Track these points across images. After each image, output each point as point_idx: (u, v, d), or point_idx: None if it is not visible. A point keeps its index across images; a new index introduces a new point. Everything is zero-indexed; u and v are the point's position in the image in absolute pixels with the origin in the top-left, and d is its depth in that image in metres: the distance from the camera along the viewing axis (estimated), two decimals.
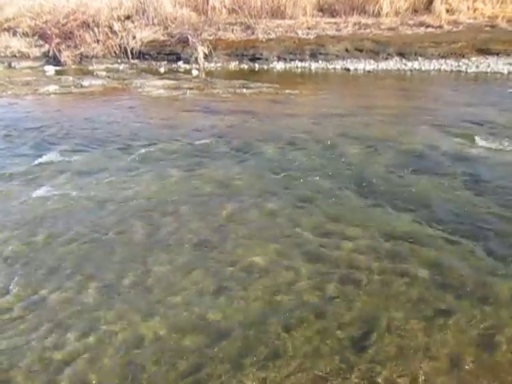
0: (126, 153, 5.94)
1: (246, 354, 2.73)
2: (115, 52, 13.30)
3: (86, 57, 13.43)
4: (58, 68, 13.09)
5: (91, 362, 2.70)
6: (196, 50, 12.40)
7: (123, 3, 14.23)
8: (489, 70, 10.44)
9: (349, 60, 11.51)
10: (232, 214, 4.32)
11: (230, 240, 3.88)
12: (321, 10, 13.87)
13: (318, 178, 4.98)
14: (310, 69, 11.50)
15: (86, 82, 10.99)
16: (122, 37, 13.25)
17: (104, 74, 12.17)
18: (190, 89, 9.96)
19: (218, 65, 12.35)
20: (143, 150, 5.98)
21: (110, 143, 6.35)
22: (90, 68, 13.09)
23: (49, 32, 13.63)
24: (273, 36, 12.60)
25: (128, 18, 13.94)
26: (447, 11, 12.89)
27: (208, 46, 12.45)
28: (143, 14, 13.80)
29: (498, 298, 3.12)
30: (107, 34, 13.39)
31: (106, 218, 4.28)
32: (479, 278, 3.32)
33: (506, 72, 10.24)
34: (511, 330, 2.83)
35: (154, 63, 13.04)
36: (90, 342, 2.84)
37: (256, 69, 11.82)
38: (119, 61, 13.33)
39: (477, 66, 10.61)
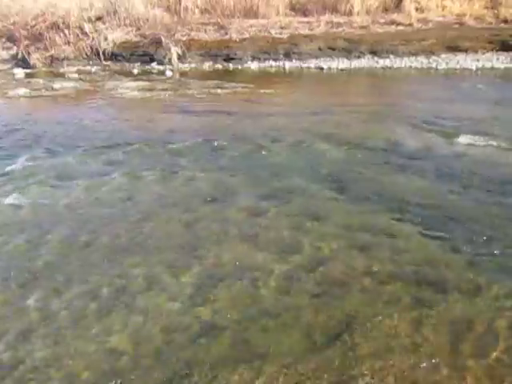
0: (99, 156, 5.85)
1: (225, 357, 2.73)
2: (87, 54, 13.09)
3: (57, 59, 13.17)
4: (27, 71, 12.79)
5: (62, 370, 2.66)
6: (169, 50, 12.31)
7: (93, 4, 13.99)
8: (458, 66, 10.69)
9: (322, 59, 11.62)
10: (209, 213, 4.31)
11: (206, 241, 3.87)
12: (293, 9, 13.95)
13: (293, 177, 5.02)
14: (284, 68, 11.56)
15: (57, 85, 10.78)
16: (93, 38, 13.05)
17: (76, 76, 11.97)
18: (165, 90, 9.88)
19: (192, 65, 12.29)
20: (117, 153, 5.90)
21: (82, 147, 6.24)
22: (61, 70, 12.85)
23: (17, 34, 13.31)
24: (246, 36, 12.61)
25: (99, 18, 13.72)
26: (417, 9, 13.14)
27: (181, 47, 12.37)
28: (114, 15, 13.62)
29: (474, 288, 3.20)
30: (78, 35, 13.17)
31: (79, 224, 4.22)
32: (454, 270, 3.40)
33: (474, 68, 10.51)
34: (487, 320, 2.92)
35: (127, 64, 12.88)
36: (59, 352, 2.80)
37: (230, 69, 11.81)
38: (91, 62, 13.12)
39: (446, 63, 10.86)
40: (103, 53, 12.95)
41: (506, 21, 12.48)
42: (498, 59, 10.71)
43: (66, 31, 13.21)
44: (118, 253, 3.76)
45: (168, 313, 3.08)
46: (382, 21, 12.83)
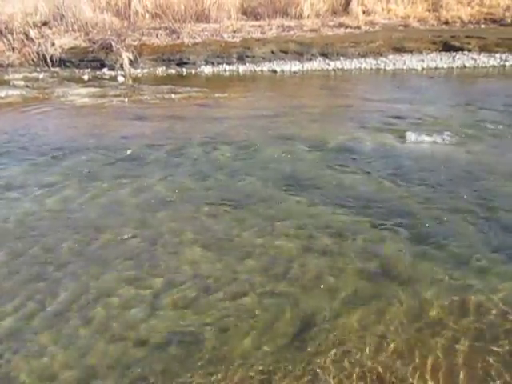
0: (48, 166, 5.66)
1: (187, 360, 2.72)
2: (33, 60, 12.60)
3: (1, 66, 12.60)
4: None
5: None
6: (120, 56, 12.06)
7: (39, 9, 13.52)
8: (405, 67, 11.10)
9: (275, 62, 11.74)
10: (163, 220, 4.27)
11: (161, 247, 3.83)
12: (245, 13, 14.04)
13: (249, 179, 5.05)
14: (237, 72, 11.60)
15: (1, 93, 10.32)
16: (39, 44, 12.58)
17: (22, 83, 11.49)
18: (117, 96, 9.68)
19: (145, 70, 12.10)
20: (67, 162, 5.74)
21: (30, 157, 6.02)
22: (6, 78, 12.29)
23: None
24: (199, 40, 12.56)
25: (45, 24, 13.27)
26: (364, 12, 13.56)
27: (133, 52, 12.15)
28: (61, 20, 13.20)
29: (426, 280, 3.34)
30: (23, 41, 12.66)
31: (26, 237, 4.07)
32: (409, 262, 3.53)
33: (419, 68, 10.96)
34: (438, 310, 3.05)
35: (76, 71, 12.50)
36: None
37: (184, 73, 11.72)
38: (38, 69, 12.64)
39: (394, 64, 11.25)
40: (51, 59, 12.51)
41: (447, 23, 13.11)
42: (441, 59, 11.21)
43: (10, 37, 12.68)
44: (70, 264, 3.66)
45: (122, 323, 3.03)
46: (332, 24, 13.15)
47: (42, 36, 12.76)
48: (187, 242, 3.92)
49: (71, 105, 9.23)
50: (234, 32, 12.88)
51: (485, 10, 13.40)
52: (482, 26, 12.89)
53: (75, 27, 13.09)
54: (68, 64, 12.61)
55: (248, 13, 14.02)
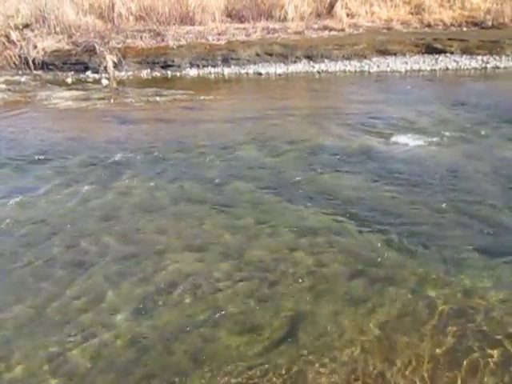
0: (30, 171, 5.58)
1: (172, 364, 2.70)
2: (15, 63, 12.41)
3: None
4: None
5: None
6: (104, 58, 11.95)
7: (20, 11, 13.34)
8: (388, 69, 11.22)
9: (260, 64, 11.76)
10: (149, 223, 4.24)
11: (148, 252, 3.80)
12: (229, 15, 14.03)
13: (234, 181, 5.05)
14: (223, 74, 11.59)
15: None
16: (21, 47, 12.41)
17: (4, 86, 11.30)
18: (101, 99, 9.59)
19: (129, 73, 12.01)
20: (51, 167, 5.66)
21: (12, 161, 5.92)
22: None
23: None
24: (183, 42, 12.52)
25: (27, 26, 13.09)
26: (348, 15, 13.66)
27: (117, 54, 12.05)
28: (44, 23, 13.04)
29: (414, 279, 3.37)
30: (4, 43, 12.47)
31: (9, 242, 4.00)
32: (392, 262, 3.56)
33: (403, 70, 11.08)
34: (423, 308, 3.08)
35: (59, 74, 12.35)
36: None
37: (169, 76, 11.67)
38: (20, 72, 12.45)
39: (378, 66, 11.35)
40: (33, 62, 12.34)
41: (429, 25, 13.28)
42: (424, 62, 11.35)
43: None
44: (58, 269, 3.60)
45: (111, 327, 2.99)
46: (316, 26, 13.22)
47: (23, 39, 12.58)
48: (170, 243, 3.89)
49: (54, 108, 9.11)
50: (219, 34, 12.86)
51: (466, 13, 13.62)
52: (464, 28, 13.10)
53: (58, 30, 12.94)
54: (51, 67, 12.45)
55: (232, 15, 14.02)
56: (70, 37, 12.77)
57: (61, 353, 2.80)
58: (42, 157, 6.02)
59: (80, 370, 2.70)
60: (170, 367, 2.68)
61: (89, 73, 12.19)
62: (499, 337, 2.81)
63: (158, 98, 9.41)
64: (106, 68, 11.97)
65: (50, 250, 3.88)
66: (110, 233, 4.11)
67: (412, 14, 13.84)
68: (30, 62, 12.33)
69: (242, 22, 13.59)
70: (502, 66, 10.92)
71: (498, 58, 11.19)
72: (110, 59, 11.92)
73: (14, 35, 12.53)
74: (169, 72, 11.86)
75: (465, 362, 2.66)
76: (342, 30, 12.99)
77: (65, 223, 4.31)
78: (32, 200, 4.78)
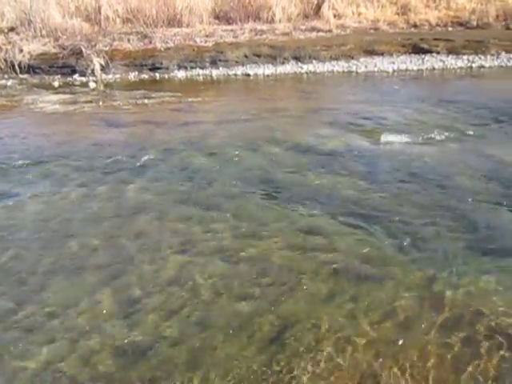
0: (17, 175, 5.52)
1: (166, 368, 2.68)
2: (0, 67, 12.28)
3: None
4: None
5: None
6: (91, 61, 11.87)
7: (5, 14, 13.21)
8: (376, 69, 11.29)
9: (248, 65, 11.77)
10: (139, 226, 4.21)
11: (139, 253, 3.78)
12: (217, 17, 14.03)
13: (225, 183, 5.03)
14: (211, 76, 11.58)
15: None
16: (6, 50, 12.28)
17: None
18: (89, 102, 9.52)
19: (117, 76, 11.94)
20: (37, 171, 5.60)
21: None
22: None
23: None
24: (171, 44, 12.48)
25: (12, 29, 12.97)
26: (335, 16, 13.73)
27: (104, 57, 11.98)
28: (29, 26, 12.92)
29: (407, 280, 3.39)
30: None
31: None
32: (387, 265, 3.57)
33: (390, 70, 11.16)
34: (410, 307, 3.09)
35: (46, 77, 12.24)
36: None
37: (157, 78, 11.63)
38: (6, 76, 12.32)
39: (365, 66, 11.42)
40: (19, 66, 12.22)
41: (415, 25, 13.41)
42: (411, 61, 11.44)
43: None
44: (44, 274, 3.56)
45: (102, 331, 2.97)
46: (303, 27, 13.27)
47: (9, 42, 12.46)
48: (164, 245, 3.87)
49: (41, 112, 9.02)
50: (207, 36, 12.86)
51: (452, 14, 13.77)
52: (450, 28, 13.24)
53: (44, 33, 12.83)
54: (37, 70, 12.34)
55: (220, 17, 14.02)
56: (56, 40, 12.67)
57: (49, 361, 2.77)
58: (27, 161, 5.96)
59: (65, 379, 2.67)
60: (161, 369, 2.66)
61: (76, 76, 12.10)
62: (502, 339, 2.81)
63: (146, 101, 9.37)
64: (93, 71, 11.90)
65: (31, 254, 3.83)
66: (97, 236, 4.07)
67: (398, 14, 13.96)
68: (16, 66, 12.21)
69: (229, 24, 13.60)
70: (487, 65, 11.06)
71: (483, 57, 11.33)
72: (97, 62, 11.85)
73: None
74: (157, 74, 11.82)
75: (466, 367, 2.65)
76: (330, 30, 13.06)
77: (49, 226, 4.26)
78: (17, 204, 4.73)
